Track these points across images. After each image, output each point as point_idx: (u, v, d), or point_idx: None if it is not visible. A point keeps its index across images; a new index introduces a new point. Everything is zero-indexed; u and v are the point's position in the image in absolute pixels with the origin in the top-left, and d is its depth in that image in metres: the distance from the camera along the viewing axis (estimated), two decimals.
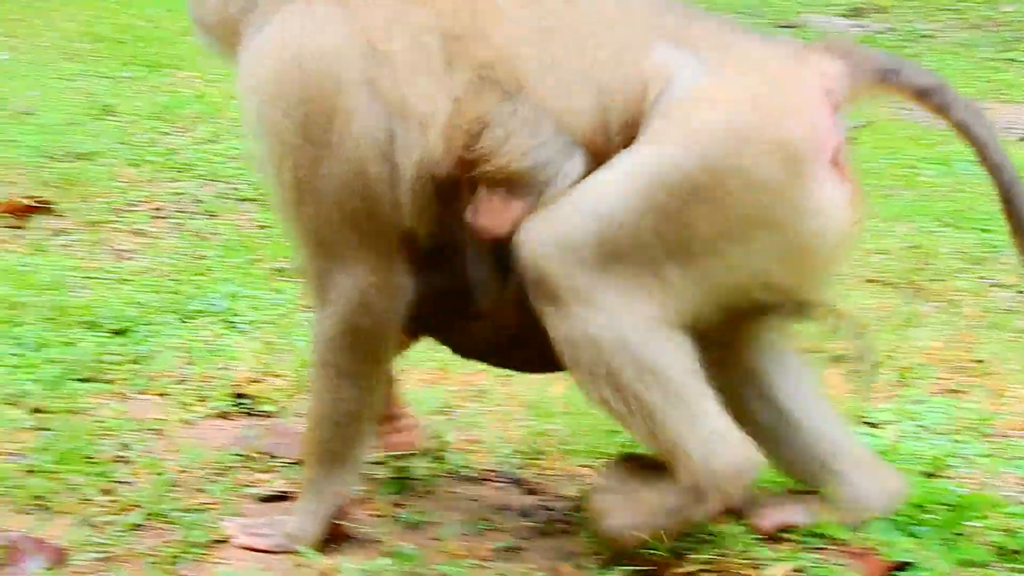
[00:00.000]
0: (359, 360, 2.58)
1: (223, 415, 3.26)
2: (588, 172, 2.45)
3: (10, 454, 2.95)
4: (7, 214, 4.44)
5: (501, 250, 2.50)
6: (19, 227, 4.40)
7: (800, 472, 2.71)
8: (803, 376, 2.71)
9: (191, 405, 3.28)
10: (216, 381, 3.39)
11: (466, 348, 2.73)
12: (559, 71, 2.46)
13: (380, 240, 2.52)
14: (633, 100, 2.44)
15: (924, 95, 2.47)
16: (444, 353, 3.55)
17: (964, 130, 2.45)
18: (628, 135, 2.43)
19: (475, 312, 2.59)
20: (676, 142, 2.38)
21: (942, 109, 2.47)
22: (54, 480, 2.80)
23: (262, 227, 4.55)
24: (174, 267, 4.15)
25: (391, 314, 2.56)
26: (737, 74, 2.42)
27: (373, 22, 2.49)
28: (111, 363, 3.41)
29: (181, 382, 3.39)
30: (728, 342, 2.62)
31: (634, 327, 2.40)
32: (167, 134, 5.66)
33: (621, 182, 2.39)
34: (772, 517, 2.66)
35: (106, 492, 2.78)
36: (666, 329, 2.42)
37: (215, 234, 4.45)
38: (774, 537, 2.64)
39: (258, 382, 3.40)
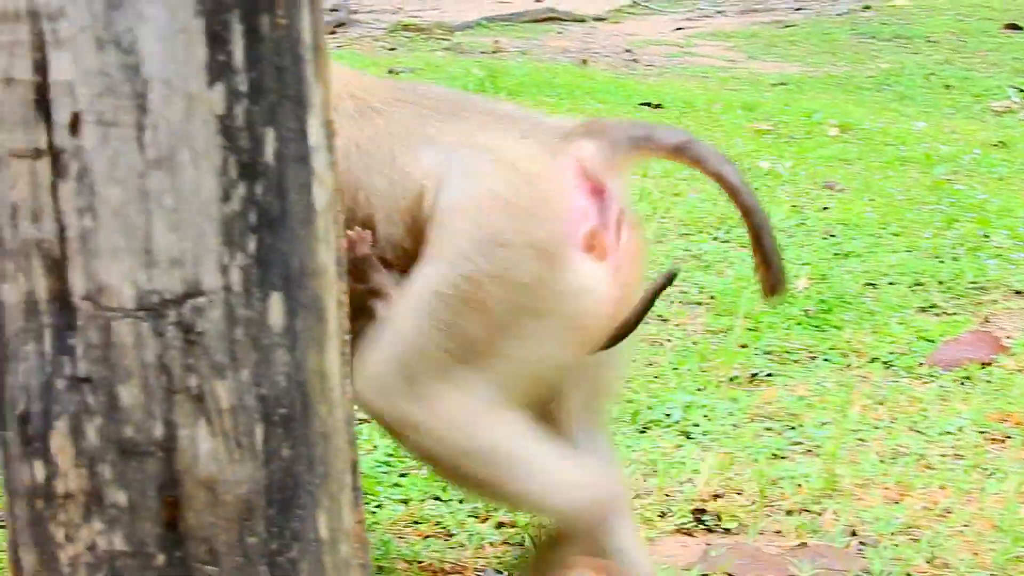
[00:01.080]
0: None
1: (685, 532, 3.28)
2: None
3: (476, 570, 3.05)
4: None
5: None
6: None
7: None
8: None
9: (653, 520, 3.32)
10: (677, 495, 3.42)
11: None
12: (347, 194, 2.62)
13: None
14: (413, 207, 2.60)
15: (678, 152, 2.60)
16: (904, 468, 3.53)
17: (718, 178, 2.57)
18: (417, 240, 2.61)
19: None
20: (444, 258, 2.55)
21: (697, 161, 2.58)
22: None
23: (712, 332, 4.56)
24: (628, 375, 4.21)
25: None
26: (488, 179, 2.56)
27: None
28: None
29: (643, 496, 3.43)
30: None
31: (456, 430, 2.59)
32: None
33: (409, 310, 2.58)
34: None
35: None
36: (486, 415, 2.61)
37: (667, 340, 4.48)
38: None
39: (719, 497, 3.41)
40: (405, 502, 3.34)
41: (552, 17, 14.43)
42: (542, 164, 2.58)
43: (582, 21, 14.36)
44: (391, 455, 3.54)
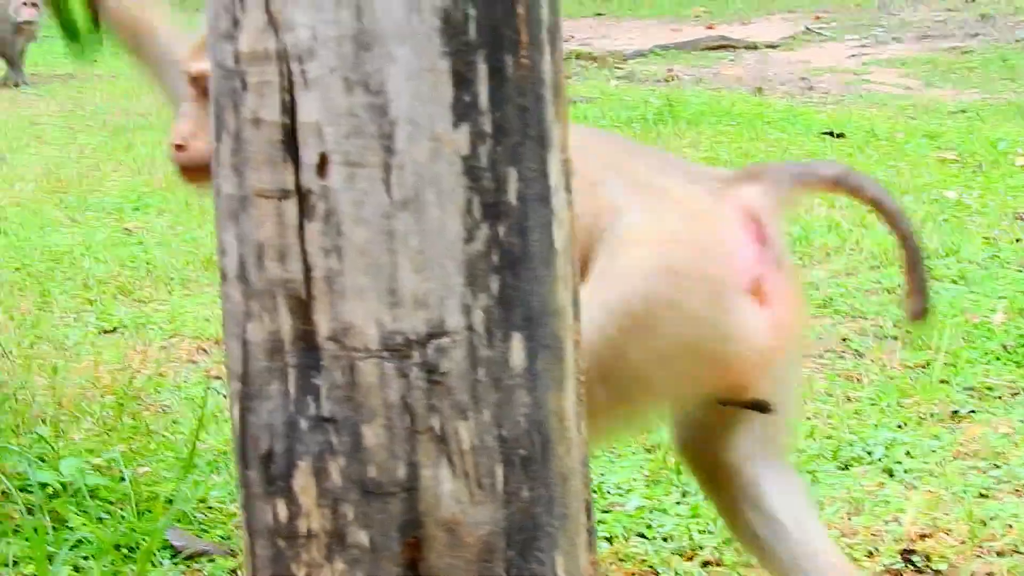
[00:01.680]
0: None
1: (894, 572, 3.22)
2: None
3: None
4: None
5: None
6: None
7: None
8: (793, 485, 2.77)
9: (859, 560, 3.25)
10: (884, 535, 3.35)
11: None
12: None
13: None
14: (590, 230, 2.57)
15: (838, 184, 2.67)
16: None
17: (876, 205, 2.65)
18: (585, 262, 2.56)
19: None
20: (620, 280, 2.54)
21: (856, 191, 2.66)
22: None
23: (910, 367, 4.48)
24: (827, 410, 4.15)
25: None
26: (666, 215, 2.59)
27: None
28: None
29: (848, 535, 3.37)
30: (721, 461, 2.73)
31: None
32: (802, 267, 5.64)
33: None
34: None
35: None
36: None
37: (864, 375, 4.41)
38: None
39: (927, 537, 3.34)
40: (609, 539, 3.32)
41: (725, 45, 14.37)
42: (712, 207, 2.63)
43: (755, 48, 14.28)
44: (594, 491, 3.52)
